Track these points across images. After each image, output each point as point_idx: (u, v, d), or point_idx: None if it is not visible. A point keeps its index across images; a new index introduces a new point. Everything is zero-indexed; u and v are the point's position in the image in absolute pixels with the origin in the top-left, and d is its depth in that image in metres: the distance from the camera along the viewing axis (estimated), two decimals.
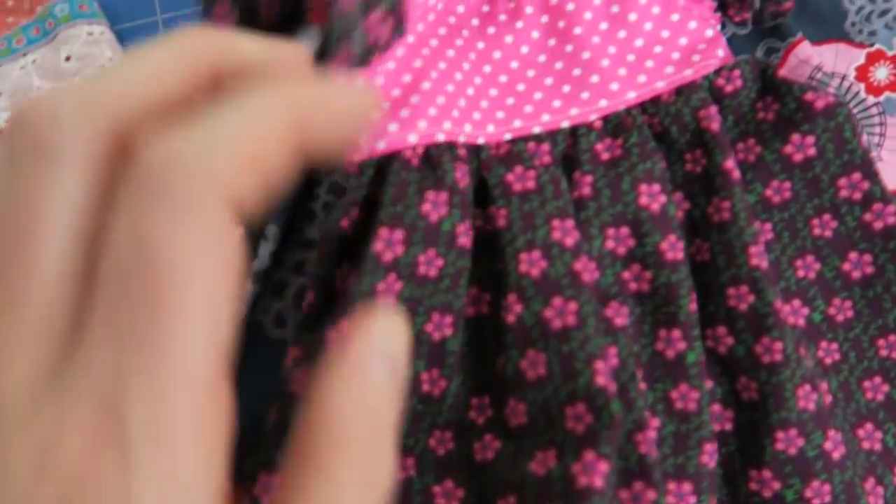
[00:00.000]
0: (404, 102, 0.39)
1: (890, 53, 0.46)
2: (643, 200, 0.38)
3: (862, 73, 0.46)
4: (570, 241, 0.37)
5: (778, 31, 0.45)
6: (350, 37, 0.32)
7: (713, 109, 0.40)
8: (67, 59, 0.44)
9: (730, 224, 0.38)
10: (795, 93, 0.40)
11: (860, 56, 0.46)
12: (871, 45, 0.46)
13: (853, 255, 0.41)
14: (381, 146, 0.39)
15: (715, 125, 0.39)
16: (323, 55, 0.31)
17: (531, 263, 0.36)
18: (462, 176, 0.38)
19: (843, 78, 0.46)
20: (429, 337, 0.36)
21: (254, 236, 0.40)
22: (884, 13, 0.46)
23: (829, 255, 0.41)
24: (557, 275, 0.36)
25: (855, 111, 0.46)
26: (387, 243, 0.36)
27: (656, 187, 0.39)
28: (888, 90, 0.46)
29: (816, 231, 0.41)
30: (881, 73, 0.46)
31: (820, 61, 0.45)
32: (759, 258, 0.38)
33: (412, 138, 0.38)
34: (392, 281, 0.35)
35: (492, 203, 0.38)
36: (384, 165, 0.38)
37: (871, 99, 0.46)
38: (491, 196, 0.38)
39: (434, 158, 0.38)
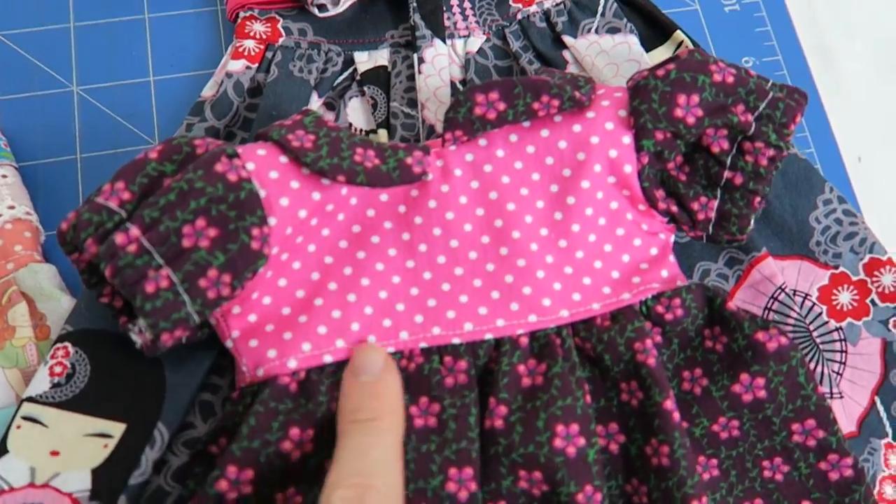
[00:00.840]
0: (290, 323, 0.36)
1: (855, 278, 0.43)
2: (558, 443, 0.34)
3: (825, 294, 0.43)
4: (464, 495, 0.33)
5: (742, 243, 0.42)
6: (168, 315, 0.32)
7: (649, 342, 0.36)
8: None
9: (669, 471, 0.35)
10: (746, 330, 0.37)
11: (824, 277, 0.43)
12: (836, 267, 0.43)
13: None
14: (261, 373, 0.35)
15: (651, 360, 0.36)
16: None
17: None
18: None
19: (806, 297, 0.43)
20: None
21: (139, 440, 0.36)
22: (850, 236, 0.43)
23: (779, 501, 0.38)
24: None
25: (815, 334, 0.42)
26: (234, 483, 0.32)
27: (574, 428, 0.35)
28: (850, 316, 0.43)
29: (767, 473, 0.38)
30: (844, 298, 0.43)
31: (783, 281, 0.42)
32: None
33: (292, 363, 0.35)
34: None
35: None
36: (259, 392, 0.34)
37: (833, 323, 0.43)
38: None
39: (313, 385, 0.34)
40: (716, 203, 0.39)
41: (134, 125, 0.46)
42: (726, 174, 0.38)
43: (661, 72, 0.38)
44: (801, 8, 0.53)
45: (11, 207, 0.41)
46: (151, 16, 0.49)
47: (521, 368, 0.36)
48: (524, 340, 0.37)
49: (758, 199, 0.38)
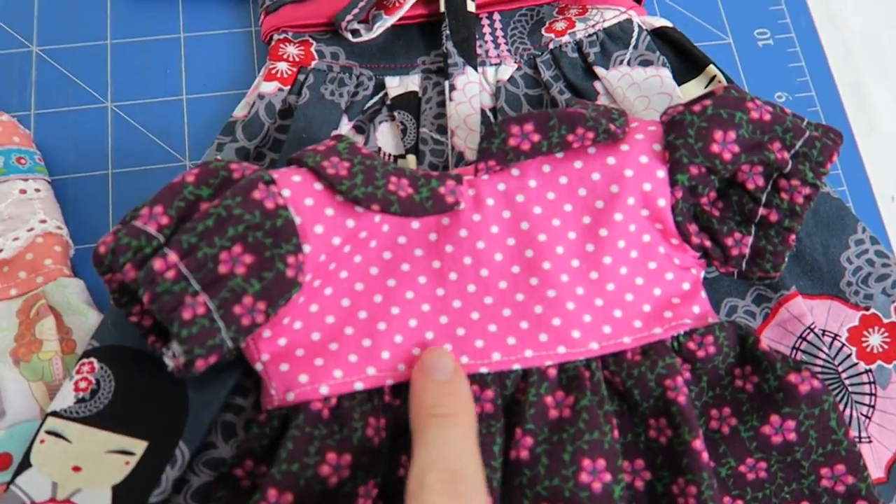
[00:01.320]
0: (321, 350, 0.36)
1: (886, 321, 0.42)
2: (584, 478, 0.34)
3: (855, 335, 0.42)
4: None
5: (770, 281, 0.41)
6: (204, 341, 0.32)
7: (679, 380, 0.36)
8: None
9: None
10: (778, 371, 0.36)
11: (854, 318, 0.42)
12: (867, 308, 0.42)
13: None
14: (291, 398, 0.35)
15: (682, 398, 0.35)
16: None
17: None
18: (377, 431, 0.34)
19: (835, 337, 0.42)
20: None
21: (160, 458, 0.35)
22: (882, 278, 0.42)
23: None
24: None
25: (844, 376, 0.41)
26: None
27: (601, 463, 0.34)
28: (881, 359, 0.42)
29: None
30: (875, 340, 0.42)
31: (812, 321, 0.41)
32: None
33: (324, 390, 0.35)
34: None
35: (410, 458, 0.34)
36: (291, 417, 0.34)
37: (863, 365, 0.42)
38: (411, 448, 0.34)
39: (346, 412, 0.34)
40: (750, 239, 0.38)
41: (165, 143, 0.47)
42: (761, 211, 0.38)
43: (697, 107, 0.38)
44: (835, 44, 0.53)
45: (43, 221, 0.41)
46: (186, 35, 0.49)
47: (549, 400, 0.36)
48: (552, 372, 0.36)
49: (793, 236, 0.38)
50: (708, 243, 0.39)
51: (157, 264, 0.32)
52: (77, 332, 0.39)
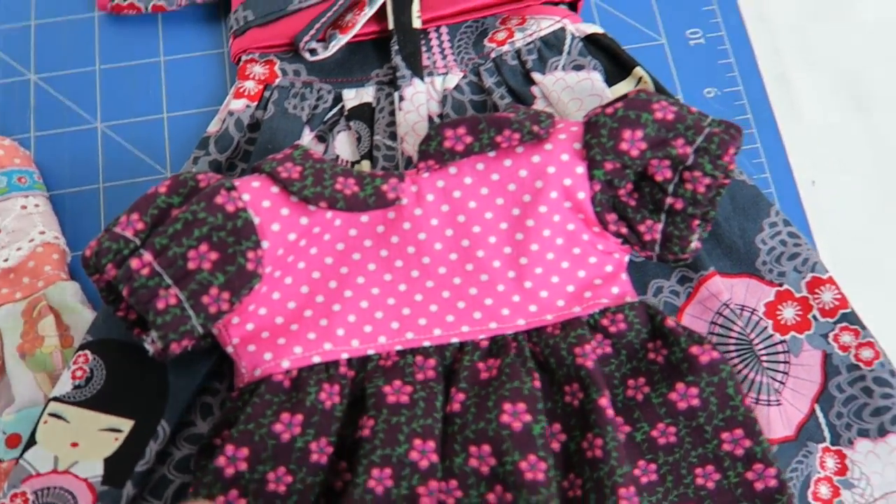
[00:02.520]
0: (284, 331, 0.41)
1: (798, 295, 0.46)
2: (505, 418, 0.39)
3: (771, 309, 0.47)
4: (424, 463, 0.38)
5: (692, 262, 0.46)
6: (177, 328, 0.37)
7: (587, 347, 0.41)
8: None
9: (601, 462, 0.38)
10: (682, 344, 0.41)
11: (770, 293, 0.47)
12: (781, 284, 0.46)
13: None
14: (258, 373, 0.40)
15: (589, 363, 0.40)
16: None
17: (379, 480, 0.37)
18: (329, 396, 0.39)
19: (753, 312, 0.47)
20: None
21: (145, 434, 0.41)
22: (793, 256, 0.46)
23: None
24: (398, 496, 0.37)
25: (761, 346, 0.46)
26: (230, 459, 0.37)
27: (521, 406, 0.39)
28: (794, 330, 0.46)
29: (699, 480, 0.40)
30: (789, 313, 0.46)
31: (729, 297, 0.45)
32: (628, 501, 0.37)
33: (285, 364, 0.40)
34: (234, 496, 0.37)
35: (364, 412, 0.39)
36: (255, 390, 0.39)
37: (778, 336, 0.46)
38: (364, 406, 0.39)
39: (302, 381, 0.39)
40: (660, 226, 0.43)
41: (150, 157, 0.52)
42: (668, 200, 0.42)
43: (610, 110, 0.43)
44: (764, 38, 0.57)
45: (42, 233, 0.47)
46: (166, 58, 0.55)
47: (481, 365, 0.41)
48: (485, 343, 0.42)
49: (696, 222, 0.42)
50: (625, 230, 0.43)
51: (134, 263, 0.38)
52: (74, 328, 0.45)
